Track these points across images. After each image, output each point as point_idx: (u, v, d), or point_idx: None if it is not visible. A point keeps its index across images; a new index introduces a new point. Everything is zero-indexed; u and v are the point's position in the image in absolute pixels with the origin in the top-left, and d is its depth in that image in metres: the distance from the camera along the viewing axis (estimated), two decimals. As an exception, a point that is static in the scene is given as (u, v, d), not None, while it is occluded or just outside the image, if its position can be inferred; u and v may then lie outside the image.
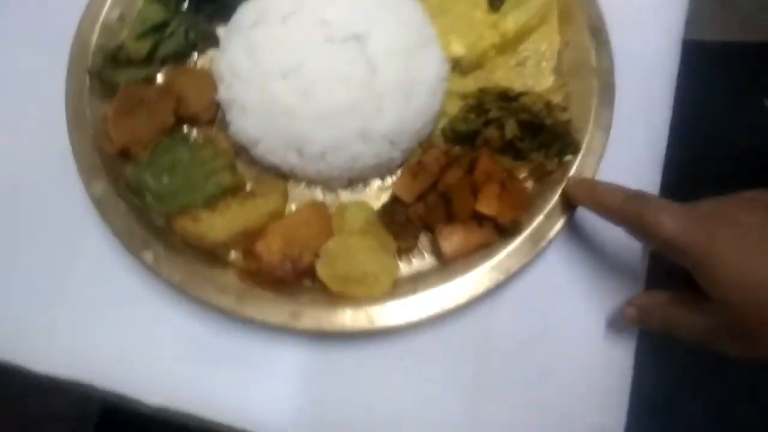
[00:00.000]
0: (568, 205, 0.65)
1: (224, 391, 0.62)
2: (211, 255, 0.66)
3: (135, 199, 0.68)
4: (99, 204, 0.66)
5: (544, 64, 0.73)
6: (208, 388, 0.62)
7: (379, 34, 0.67)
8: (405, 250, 0.66)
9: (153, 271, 0.63)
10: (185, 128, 0.73)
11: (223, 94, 0.70)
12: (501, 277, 0.63)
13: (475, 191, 0.65)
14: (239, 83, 0.68)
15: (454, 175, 0.65)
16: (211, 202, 0.67)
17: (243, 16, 0.70)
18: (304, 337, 0.64)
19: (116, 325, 0.65)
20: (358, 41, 0.66)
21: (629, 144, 0.69)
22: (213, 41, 0.76)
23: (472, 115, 0.70)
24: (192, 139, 0.72)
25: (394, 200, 0.67)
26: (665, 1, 0.76)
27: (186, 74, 0.74)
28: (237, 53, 0.69)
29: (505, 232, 0.65)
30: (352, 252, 0.65)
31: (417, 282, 0.64)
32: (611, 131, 0.67)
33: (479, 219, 0.65)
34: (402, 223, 0.66)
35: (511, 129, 0.66)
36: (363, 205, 0.68)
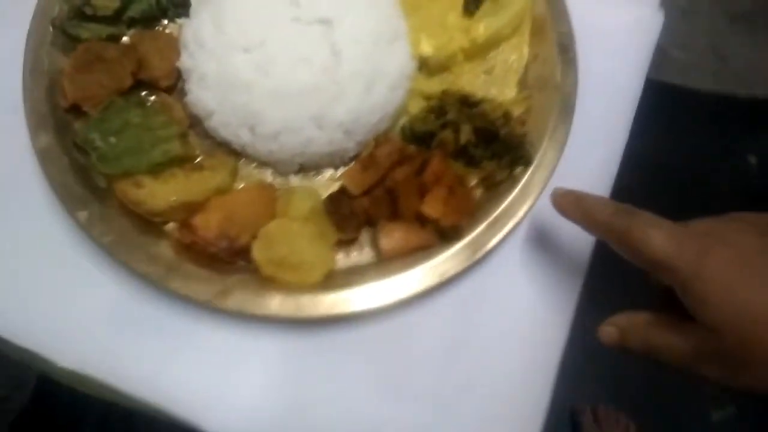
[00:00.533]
0: (512, 217, 0.65)
1: (140, 363, 0.61)
2: (148, 223, 0.65)
3: (80, 156, 0.66)
4: (42, 156, 0.65)
5: (510, 74, 0.72)
6: (125, 358, 0.61)
7: (348, 20, 0.66)
8: (345, 242, 0.66)
9: (85, 231, 0.62)
10: (144, 93, 0.72)
11: (185, 62, 0.69)
12: (436, 280, 0.62)
13: (422, 192, 0.65)
14: (201, 52, 0.67)
15: (402, 173, 0.65)
16: (156, 170, 0.66)
17: (213, -13, 0.70)
18: (231, 318, 0.63)
19: (41, 282, 0.64)
20: (326, 25, 0.66)
21: (582, 164, 0.69)
22: (184, 9, 0.74)
23: (431, 116, 0.69)
24: (148, 103, 0.70)
25: (342, 191, 0.66)
26: (636, 29, 0.76)
27: (151, 38, 0.73)
28: (204, 22, 0.68)
29: (446, 236, 0.64)
30: (291, 237, 0.64)
31: (352, 276, 0.63)
32: (565, 149, 0.67)
33: (422, 220, 0.64)
34: (346, 215, 0.65)
35: (465, 134, 0.66)
36: (311, 192, 0.68)
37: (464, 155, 0.68)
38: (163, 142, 0.67)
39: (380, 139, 0.69)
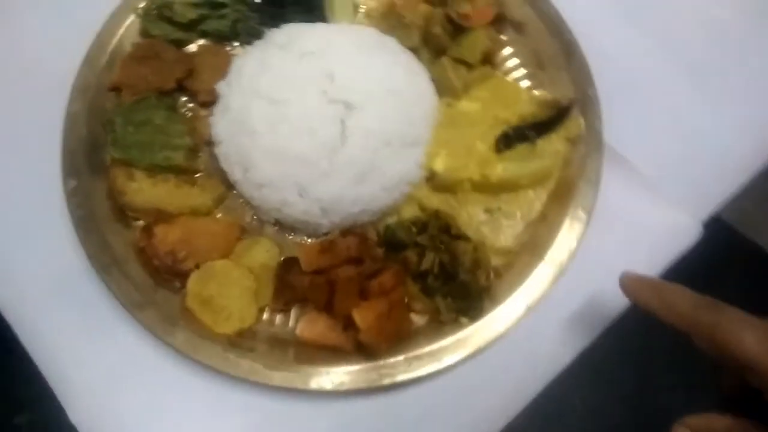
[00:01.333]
0: (433, 361, 0.62)
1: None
2: (121, 213, 0.69)
3: (103, 129, 0.73)
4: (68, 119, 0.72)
5: (511, 224, 0.70)
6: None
7: (370, 112, 0.67)
8: (273, 310, 0.66)
9: (67, 200, 0.68)
10: (184, 99, 0.77)
11: (223, 87, 0.73)
12: (327, 387, 0.61)
13: (363, 296, 0.64)
14: (236, 85, 0.71)
15: (349, 271, 0.64)
16: (154, 170, 0.71)
17: (276, 35, 0.73)
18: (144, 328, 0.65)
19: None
20: (347, 108, 0.67)
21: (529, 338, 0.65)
22: (255, 39, 0.79)
23: (414, 229, 0.68)
24: (178, 109, 0.75)
25: (294, 261, 0.67)
26: (666, 234, 0.71)
27: (212, 53, 0.78)
28: (253, 59, 0.72)
29: (362, 349, 0.63)
30: (226, 282, 0.66)
31: (256, 342, 0.64)
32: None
33: (348, 323, 0.63)
34: (287, 285, 0.66)
35: (428, 262, 0.65)
36: (272, 250, 0.69)
37: (422, 280, 0.66)
38: (171, 149, 0.71)
39: (355, 229, 0.69)
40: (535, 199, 0.71)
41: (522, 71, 0.79)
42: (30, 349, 0.66)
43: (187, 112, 0.76)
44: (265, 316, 0.67)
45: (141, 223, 0.70)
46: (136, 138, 0.71)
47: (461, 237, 0.67)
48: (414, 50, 0.77)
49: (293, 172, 0.66)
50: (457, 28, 0.75)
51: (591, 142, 0.72)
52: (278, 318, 0.67)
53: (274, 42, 0.73)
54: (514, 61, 0.79)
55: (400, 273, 0.66)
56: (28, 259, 0.70)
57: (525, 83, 0.78)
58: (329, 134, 0.66)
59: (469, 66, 0.75)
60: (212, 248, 0.68)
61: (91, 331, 0.66)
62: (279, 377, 0.62)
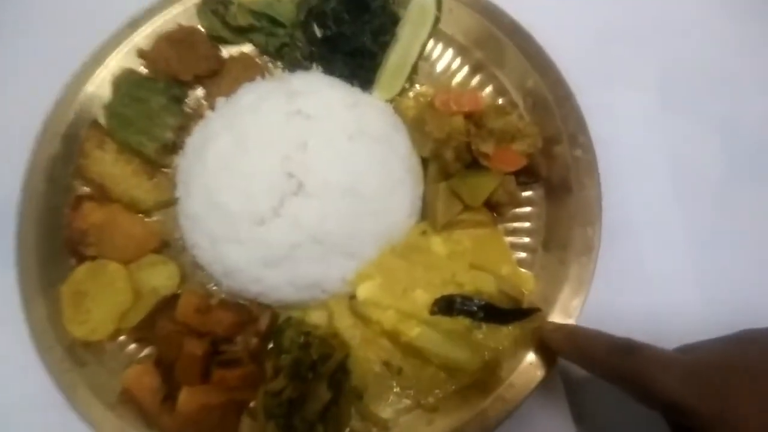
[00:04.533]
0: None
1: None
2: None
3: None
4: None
5: (397, 396, 0.60)
6: None
7: (313, 204, 0.61)
8: (129, 337, 0.64)
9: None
10: (200, 93, 0.75)
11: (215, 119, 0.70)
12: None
13: (206, 378, 0.59)
14: (220, 122, 0.68)
15: (201, 346, 0.59)
16: (125, 148, 0.70)
17: (292, 78, 0.69)
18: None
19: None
20: (298, 187, 0.61)
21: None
22: (294, 67, 0.75)
23: (302, 340, 0.61)
24: (183, 104, 0.74)
25: (172, 304, 0.63)
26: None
27: (244, 64, 0.75)
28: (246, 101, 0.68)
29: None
30: (107, 289, 0.64)
31: (96, 359, 0.63)
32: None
33: (174, 393, 0.59)
34: (151, 323, 0.62)
35: (278, 384, 0.58)
36: (173, 278, 0.66)
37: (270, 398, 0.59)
38: (148, 137, 0.70)
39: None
40: (439, 387, 0.60)
41: (526, 240, 0.66)
42: None
43: (189, 110, 0.73)
44: (122, 337, 0.63)
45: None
46: (124, 110, 0.71)
47: (335, 378, 0.58)
48: (424, 161, 0.68)
49: (213, 220, 0.62)
50: (475, 162, 0.65)
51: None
52: (131, 347, 0.63)
53: (276, 104, 0.67)
54: (524, 224, 0.67)
55: (254, 377, 0.59)
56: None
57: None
58: (263, 204, 0.61)
59: (465, 205, 0.65)
60: (123, 247, 0.66)
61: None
62: (87, 402, 0.59)
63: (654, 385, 0.41)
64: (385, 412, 0.60)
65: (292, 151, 0.62)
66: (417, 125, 0.68)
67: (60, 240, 0.66)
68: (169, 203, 0.70)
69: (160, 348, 0.62)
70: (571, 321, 0.59)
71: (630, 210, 0.69)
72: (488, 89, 0.72)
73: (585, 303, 0.60)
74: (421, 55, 0.74)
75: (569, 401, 0.60)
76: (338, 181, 0.61)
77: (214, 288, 0.67)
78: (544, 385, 0.58)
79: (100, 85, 0.72)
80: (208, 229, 0.62)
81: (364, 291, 0.62)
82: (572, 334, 0.51)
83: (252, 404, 0.60)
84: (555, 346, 0.52)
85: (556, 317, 0.59)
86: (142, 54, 0.74)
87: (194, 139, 0.68)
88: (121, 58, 0.73)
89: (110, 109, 0.71)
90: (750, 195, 0.71)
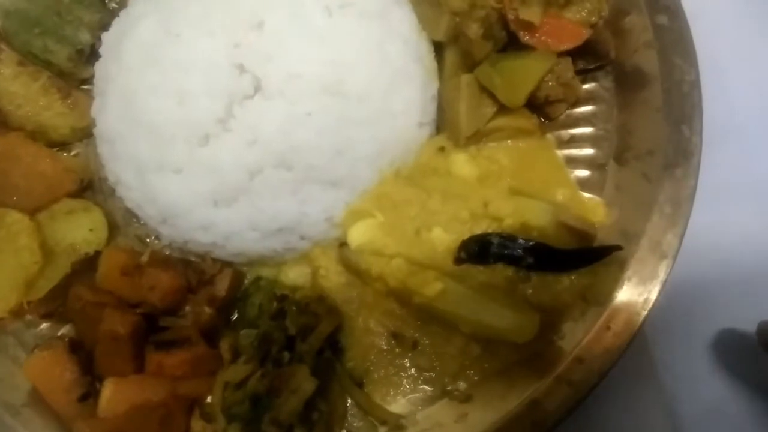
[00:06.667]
0: None
1: None
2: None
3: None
4: None
5: (410, 382, 0.42)
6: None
7: (279, 108, 0.43)
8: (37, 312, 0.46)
9: None
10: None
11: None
12: None
13: (138, 365, 0.42)
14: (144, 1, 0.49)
15: (129, 321, 0.42)
16: (27, 59, 0.52)
17: None
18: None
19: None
20: (252, 87, 0.42)
21: None
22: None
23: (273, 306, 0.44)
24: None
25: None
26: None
27: None
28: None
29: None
30: (6, 246, 0.47)
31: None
32: None
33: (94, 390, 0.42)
34: (65, 291, 0.45)
35: (239, 373, 0.41)
36: (99, 232, 0.50)
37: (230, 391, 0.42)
38: (57, 39, 0.52)
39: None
40: (471, 367, 0.42)
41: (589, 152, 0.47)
42: None
43: (114, 5, 0.54)
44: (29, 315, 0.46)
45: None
46: (25, 5, 0.53)
47: (322, 360, 0.41)
48: (438, 47, 0.48)
49: (137, 141, 0.44)
50: (513, 41, 0.45)
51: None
52: (42, 326, 0.46)
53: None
54: (585, 130, 0.47)
55: (207, 362, 0.42)
56: None
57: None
58: (204, 114, 0.42)
59: (500, 106, 0.45)
60: (27, 190, 0.50)
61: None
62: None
63: None
64: (397, 404, 0.43)
65: (242, 34, 0.42)
66: (428, -1, 0.48)
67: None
68: (91, 132, 0.52)
69: (77, 327, 0.45)
70: (666, 261, 0.40)
71: (740, 101, 0.51)
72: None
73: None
74: None
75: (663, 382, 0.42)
76: (312, 74, 0.42)
77: (156, 242, 0.48)
78: (627, 360, 0.40)
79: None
80: (132, 154, 0.44)
81: (358, 234, 0.45)
82: None
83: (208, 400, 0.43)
84: None
85: (645, 258, 0.40)
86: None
87: (111, 33, 0.49)
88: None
89: (6, 5, 0.52)
90: None
